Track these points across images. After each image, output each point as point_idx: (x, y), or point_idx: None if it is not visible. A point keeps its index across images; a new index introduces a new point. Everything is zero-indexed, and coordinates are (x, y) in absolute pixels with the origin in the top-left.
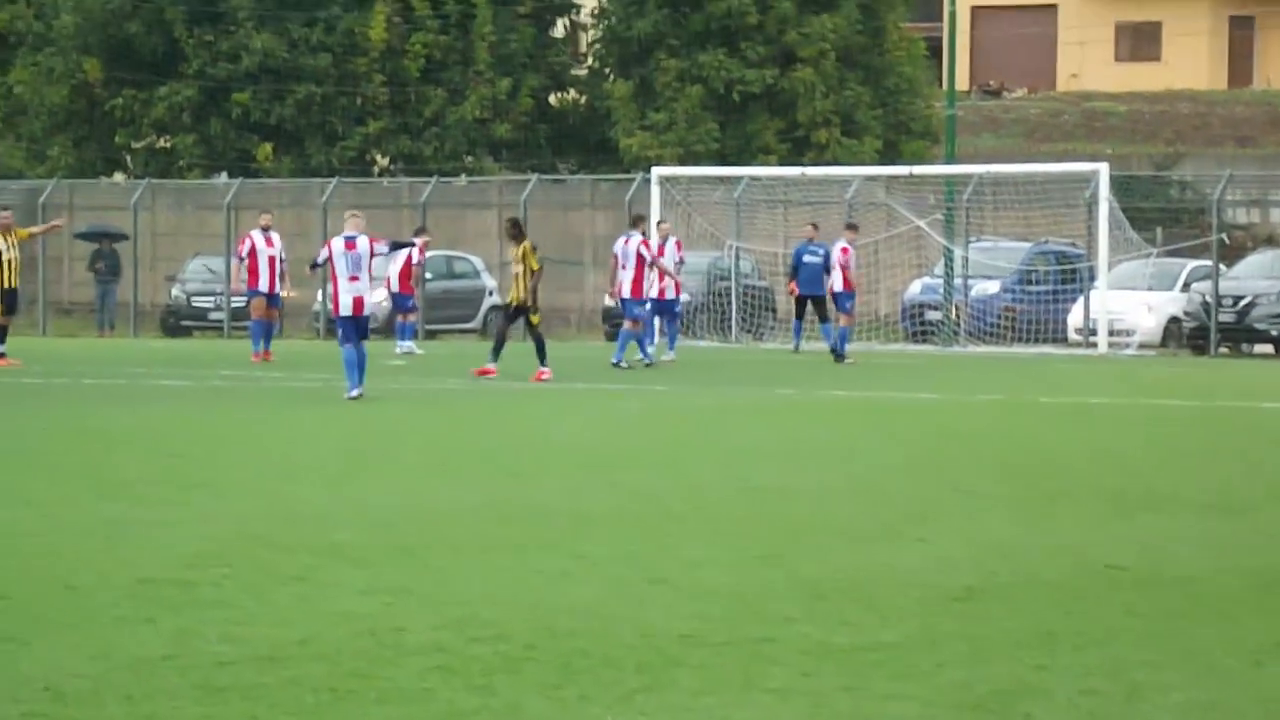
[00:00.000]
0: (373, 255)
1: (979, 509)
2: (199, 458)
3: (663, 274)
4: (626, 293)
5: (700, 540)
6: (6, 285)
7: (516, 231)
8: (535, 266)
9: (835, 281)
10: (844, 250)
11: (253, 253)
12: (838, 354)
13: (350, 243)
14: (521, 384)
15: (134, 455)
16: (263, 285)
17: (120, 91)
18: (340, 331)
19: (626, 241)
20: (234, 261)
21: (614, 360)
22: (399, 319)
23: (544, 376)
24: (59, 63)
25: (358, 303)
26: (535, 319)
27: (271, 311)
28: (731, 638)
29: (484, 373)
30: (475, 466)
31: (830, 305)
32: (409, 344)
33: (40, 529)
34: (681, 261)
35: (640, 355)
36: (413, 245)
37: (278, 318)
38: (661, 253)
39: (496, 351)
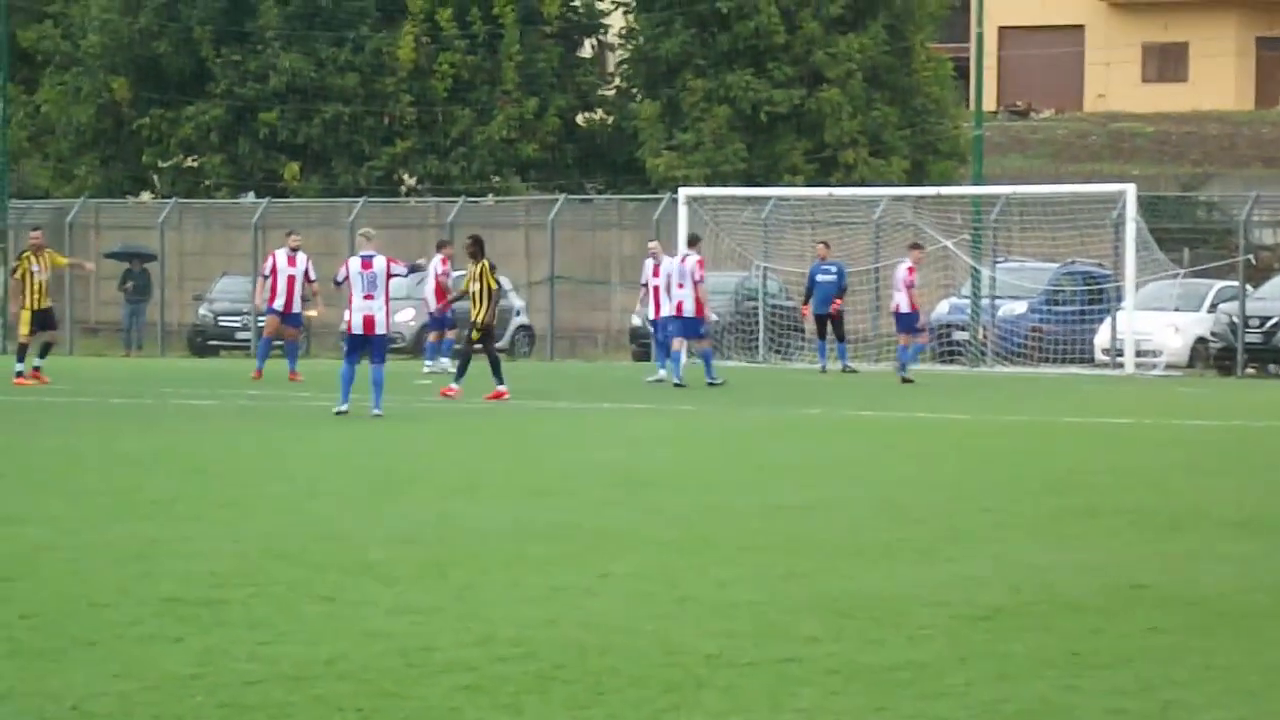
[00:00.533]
0: (389, 276)
1: (1006, 528)
2: (226, 477)
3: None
4: (690, 311)
5: (727, 559)
6: (38, 306)
7: (476, 250)
8: (493, 285)
9: (901, 302)
10: (910, 270)
11: (274, 271)
12: (901, 374)
13: (367, 262)
14: (547, 403)
15: (161, 474)
16: (278, 304)
17: (148, 111)
18: (345, 348)
19: (683, 260)
20: (258, 279)
21: (709, 379)
22: (430, 338)
23: (503, 395)
24: (86, 82)
25: (368, 321)
26: (475, 336)
27: (291, 331)
28: (758, 657)
29: (495, 396)
30: (503, 485)
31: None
32: (444, 362)
33: (67, 548)
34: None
35: (674, 376)
36: (419, 268)
37: (299, 337)
38: (656, 274)
39: (496, 372)
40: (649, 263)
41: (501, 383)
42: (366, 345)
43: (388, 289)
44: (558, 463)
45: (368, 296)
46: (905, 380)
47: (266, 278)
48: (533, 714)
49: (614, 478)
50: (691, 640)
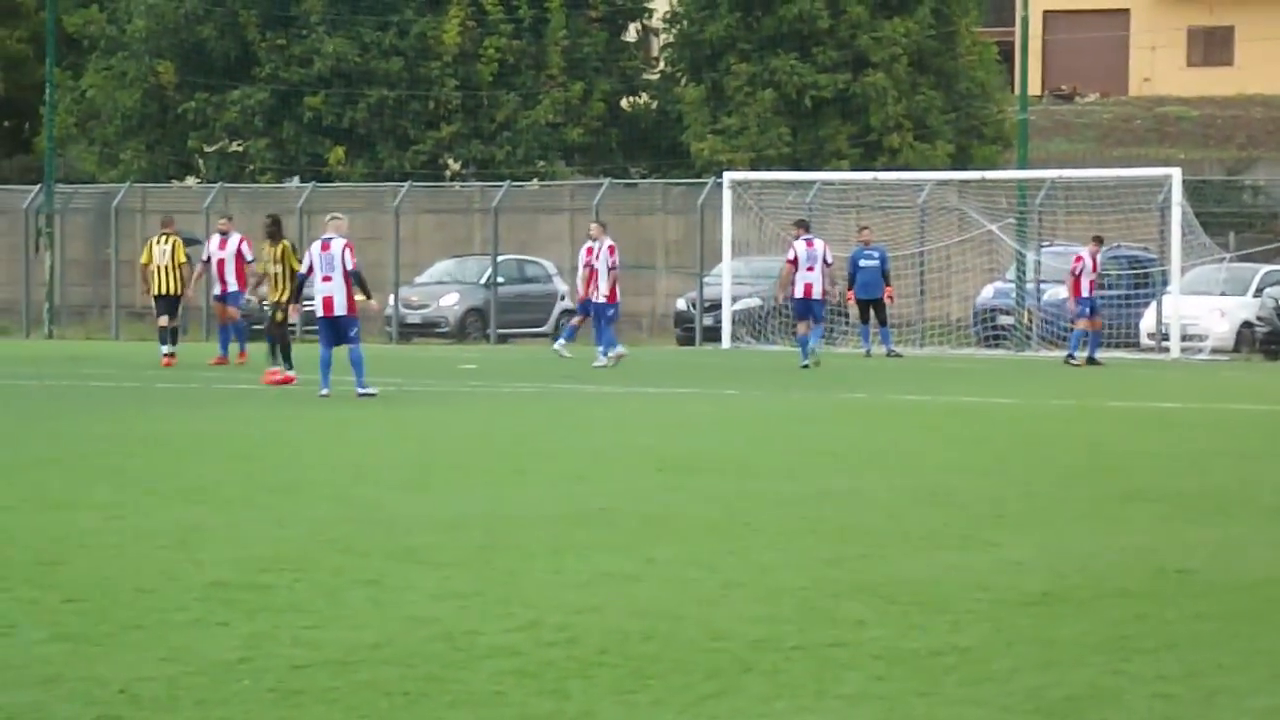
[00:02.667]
0: (347, 264)
1: (1051, 513)
2: (271, 461)
3: (593, 277)
4: (817, 294)
5: (771, 544)
6: (162, 291)
7: (276, 230)
8: (296, 267)
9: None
10: (1077, 259)
11: (207, 257)
12: (1073, 357)
13: (325, 244)
14: (592, 387)
15: (206, 459)
16: (215, 289)
17: (193, 95)
18: (319, 332)
19: (810, 245)
20: (199, 266)
21: (802, 363)
22: (574, 321)
23: (277, 378)
24: (132, 67)
25: (326, 303)
26: (279, 317)
27: (231, 311)
28: (803, 642)
29: (281, 380)
30: (546, 470)
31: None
32: (562, 344)
33: (113, 533)
34: (614, 267)
35: (802, 358)
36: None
37: (237, 317)
38: (596, 255)
39: (287, 357)
40: (590, 245)
41: (290, 367)
42: (333, 327)
43: (345, 271)
44: (602, 448)
45: (325, 279)
46: (1090, 361)
47: (205, 262)
48: (577, 699)
49: (658, 462)
50: (736, 626)
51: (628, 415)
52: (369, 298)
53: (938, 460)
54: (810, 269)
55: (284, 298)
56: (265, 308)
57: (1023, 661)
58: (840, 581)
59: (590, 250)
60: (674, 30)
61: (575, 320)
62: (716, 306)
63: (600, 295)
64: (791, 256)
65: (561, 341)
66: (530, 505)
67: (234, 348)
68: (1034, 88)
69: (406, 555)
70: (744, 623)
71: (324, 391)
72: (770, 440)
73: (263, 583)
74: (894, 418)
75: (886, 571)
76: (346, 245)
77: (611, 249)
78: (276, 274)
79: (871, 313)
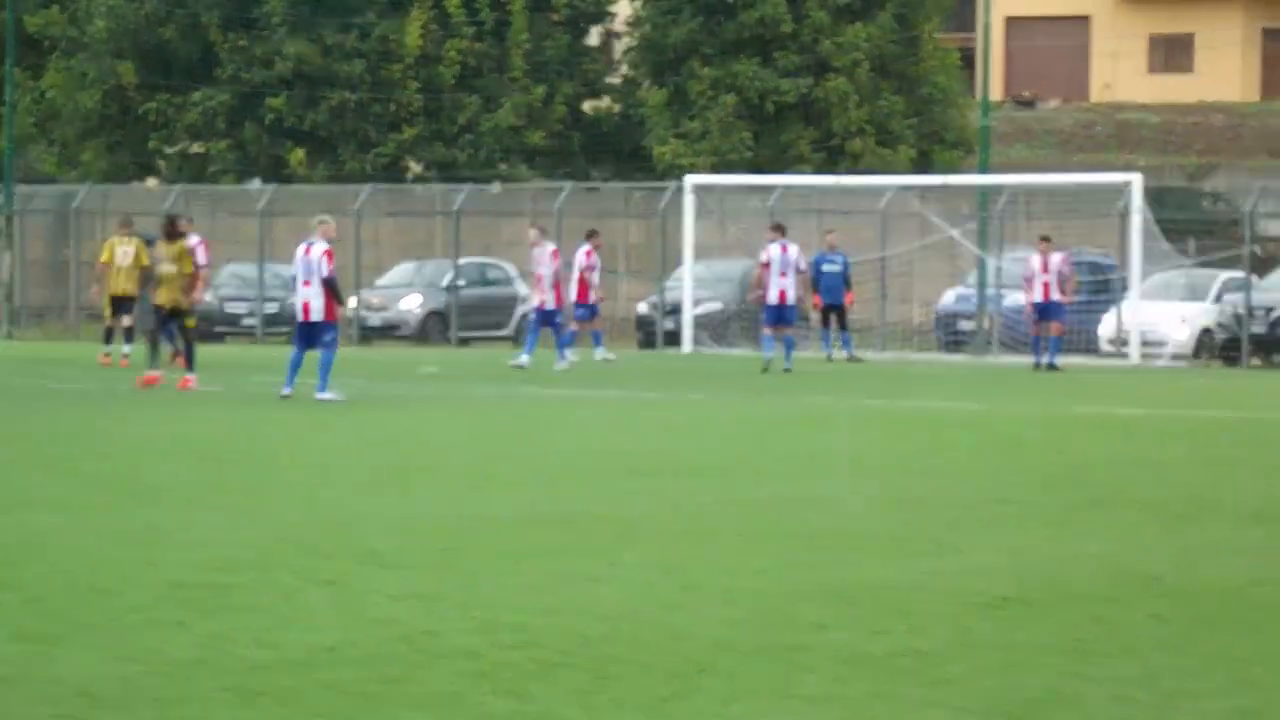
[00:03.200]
0: (323, 271)
1: (1013, 518)
2: (232, 462)
3: (541, 282)
4: (791, 299)
5: (733, 548)
6: (121, 292)
7: (173, 230)
8: (189, 270)
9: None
10: (1028, 263)
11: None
12: (1053, 365)
13: (308, 248)
14: (555, 391)
15: (167, 460)
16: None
17: (154, 96)
18: (294, 334)
19: (784, 250)
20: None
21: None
22: (571, 327)
23: (190, 384)
24: (92, 67)
25: (304, 308)
26: (190, 323)
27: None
28: (763, 645)
29: (150, 382)
30: (511, 473)
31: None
32: (602, 351)
33: (72, 533)
34: (558, 271)
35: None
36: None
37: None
38: (555, 258)
39: (190, 359)
40: (534, 251)
41: (192, 369)
42: (308, 332)
43: (323, 277)
44: (566, 451)
45: (305, 283)
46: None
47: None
48: (537, 700)
49: (622, 466)
50: (696, 627)
51: (591, 419)
52: (340, 304)
53: (902, 465)
54: (784, 274)
55: (176, 300)
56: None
57: (982, 665)
58: (802, 585)
59: (589, 254)
60: (636, 34)
61: (572, 326)
62: (678, 310)
63: (549, 301)
64: (765, 260)
65: (600, 350)
66: (494, 508)
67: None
68: (995, 93)
69: (367, 557)
70: (705, 624)
71: (286, 391)
72: (734, 444)
73: (222, 583)
74: (857, 423)
75: (849, 575)
76: (325, 252)
77: (554, 253)
78: (171, 274)
79: (833, 317)
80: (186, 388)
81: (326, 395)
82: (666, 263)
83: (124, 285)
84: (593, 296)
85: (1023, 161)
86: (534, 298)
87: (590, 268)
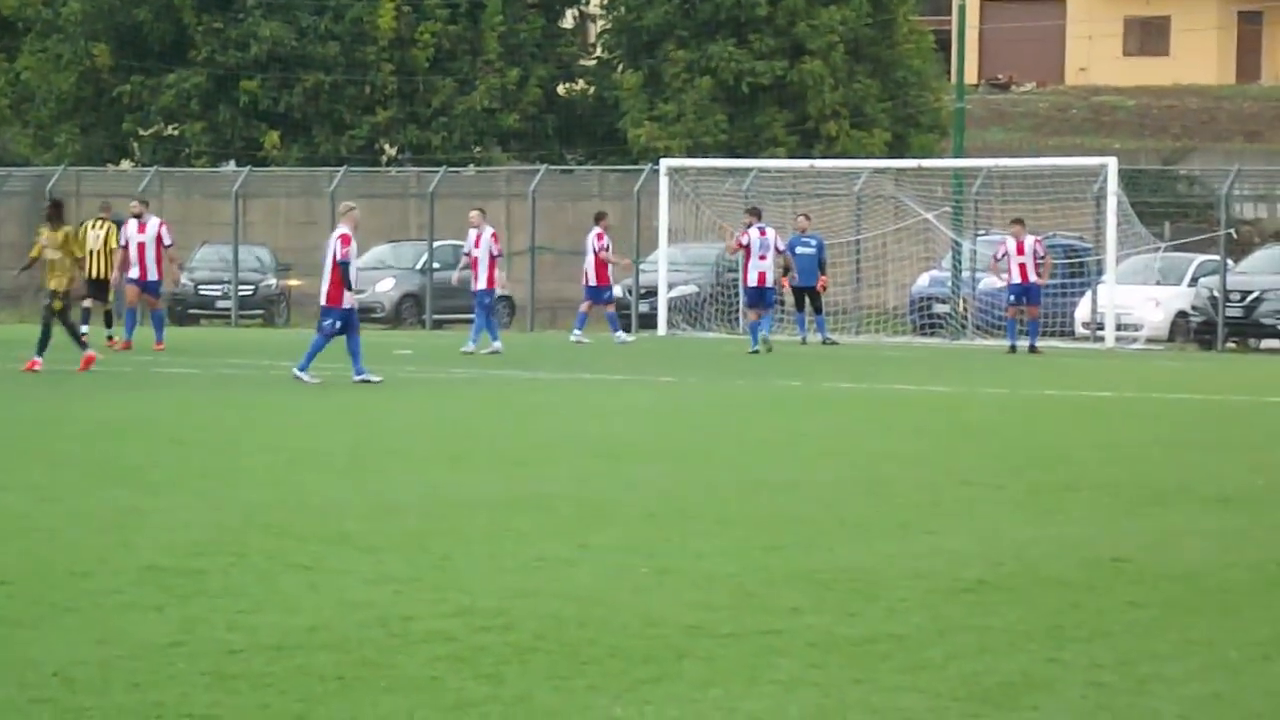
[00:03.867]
0: (337, 255)
1: (987, 502)
2: (206, 445)
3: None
4: (771, 282)
5: (707, 532)
6: (93, 275)
7: (56, 215)
8: (78, 253)
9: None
10: (1000, 246)
11: (126, 241)
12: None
13: (345, 237)
14: (528, 374)
15: (142, 443)
16: (133, 273)
17: (129, 78)
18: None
19: (763, 233)
20: (119, 252)
21: (752, 349)
22: (582, 308)
23: (35, 367)
24: (67, 49)
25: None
26: (58, 306)
27: (152, 299)
28: (738, 629)
29: (29, 368)
30: (483, 456)
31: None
32: (622, 335)
33: (46, 516)
34: (499, 254)
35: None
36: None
37: (159, 305)
38: (477, 244)
39: (43, 344)
40: (472, 233)
41: (40, 354)
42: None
43: (331, 262)
44: (538, 434)
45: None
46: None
47: (124, 247)
48: (513, 684)
49: (594, 449)
50: (671, 612)
51: (564, 402)
52: (349, 289)
53: (874, 449)
54: (763, 257)
55: (61, 285)
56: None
57: (957, 648)
58: (776, 569)
59: (600, 236)
60: (611, 16)
61: (583, 306)
62: (653, 293)
63: (481, 282)
64: (745, 242)
65: (577, 332)
66: (467, 490)
67: (117, 331)
68: (970, 77)
69: (341, 540)
70: (679, 609)
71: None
72: (707, 428)
73: (197, 567)
74: (831, 406)
75: (823, 559)
76: (340, 236)
77: (495, 236)
78: (54, 260)
79: (807, 300)
80: (32, 369)
81: (303, 376)
82: (641, 246)
83: (97, 268)
84: (610, 277)
85: (998, 145)
86: (476, 281)
87: (605, 249)
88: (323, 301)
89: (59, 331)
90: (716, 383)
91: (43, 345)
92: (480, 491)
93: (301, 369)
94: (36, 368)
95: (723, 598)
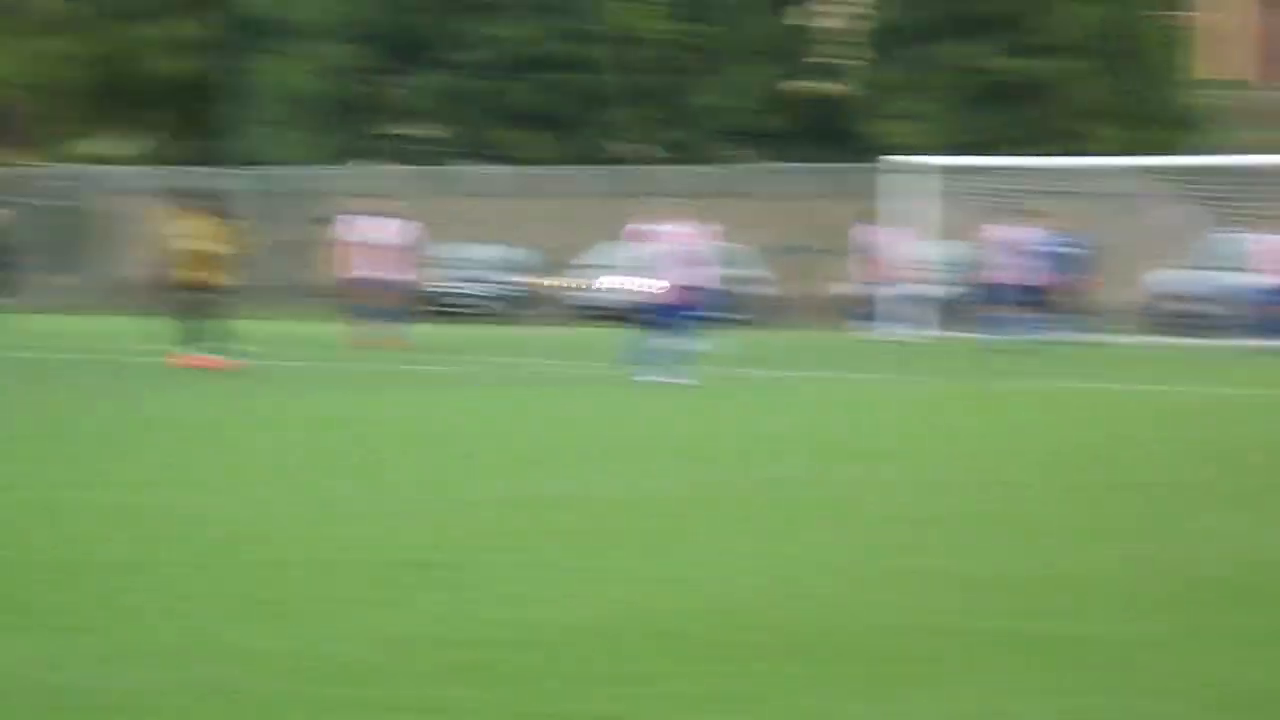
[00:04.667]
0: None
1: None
2: (443, 441)
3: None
4: (1039, 282)
5: (949, 535)
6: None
7: (210, 210)
8: (229, 250)
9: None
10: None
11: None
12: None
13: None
14: (760, 372)
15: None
16: (379, 272)
17: (371, 78)
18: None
19: (1033, 234)
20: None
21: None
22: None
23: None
24: (306, 50)
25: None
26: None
27: (391, 297)
28: (986, 629)
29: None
30: (728, 452)
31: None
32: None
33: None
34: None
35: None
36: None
37: (399, 304)
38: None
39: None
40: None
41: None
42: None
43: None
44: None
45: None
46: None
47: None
48: (763, 681)
49: (820, 447)
50: (916, 615)
51: (788, 400)
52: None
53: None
54: (1031, 257)
55: (215, 280)
56: None
57: (1209, 652)
58: (1002, 571)
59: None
60: (863, 14)
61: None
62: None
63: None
64: (1013, 240)
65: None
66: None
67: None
68: (1248, 73)
69: (581, 535)
70: (924, 612)
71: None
72: (907, 426)
73: (453, 560)
74: (1055, 408)
75: (1048, 562)
76: (687, 235)
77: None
78: (207, 253)
79: (1054, 300)
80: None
81: (670, 379)
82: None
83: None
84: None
85: (1257, 143)
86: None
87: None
88: (667, 300)
89: (217, 326)
90: (939, 382)
91: (212, 342)
92: (666, 486)
93: (665, 374)
94: (224, 366)
95: (964, 599)
